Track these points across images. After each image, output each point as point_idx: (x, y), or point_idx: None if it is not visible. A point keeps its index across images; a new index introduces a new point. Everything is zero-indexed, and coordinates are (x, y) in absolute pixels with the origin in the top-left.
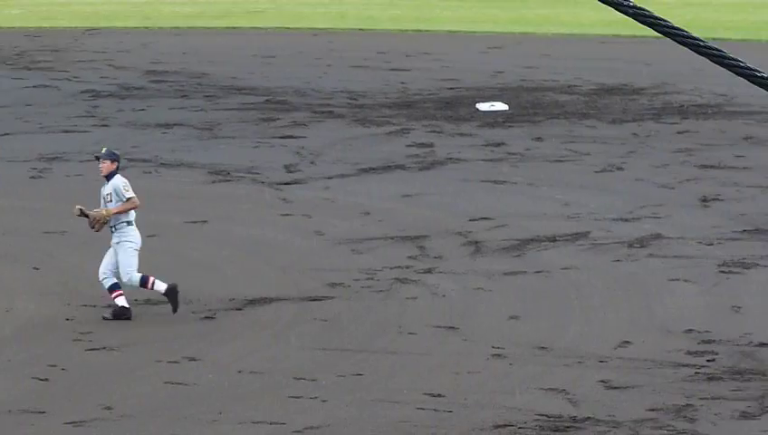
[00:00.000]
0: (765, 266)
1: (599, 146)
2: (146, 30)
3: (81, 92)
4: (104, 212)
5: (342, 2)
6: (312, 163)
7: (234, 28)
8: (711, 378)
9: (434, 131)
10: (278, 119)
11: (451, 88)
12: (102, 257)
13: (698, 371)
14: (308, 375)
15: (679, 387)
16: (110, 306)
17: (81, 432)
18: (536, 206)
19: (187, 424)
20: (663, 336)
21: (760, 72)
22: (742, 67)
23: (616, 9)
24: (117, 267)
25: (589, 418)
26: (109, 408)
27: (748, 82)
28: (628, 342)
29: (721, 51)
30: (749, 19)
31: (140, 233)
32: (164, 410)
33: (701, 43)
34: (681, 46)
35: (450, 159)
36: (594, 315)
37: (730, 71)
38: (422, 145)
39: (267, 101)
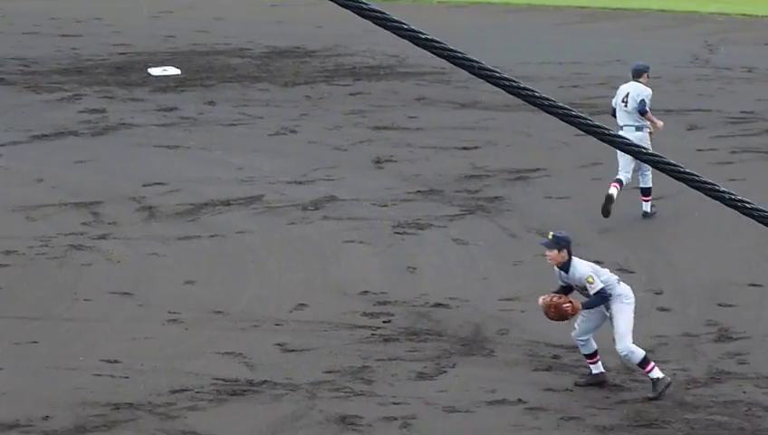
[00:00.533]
0: (439, 227)
1: (272, 109)
2: None
3: None
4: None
5: None
6: None
7: None
8: (387, 339)
9: (106, 97)
10: None
11: (122, 53)
12: None
13: (374, 332)
14: None
15: (356, 349)
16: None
17: None
18: (210, 170)
19: None
20: (339, 298)
21: (425, 34)
22: (405, 30)
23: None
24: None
25: (266, 381)
26: None
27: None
28: (303, 304)
29: (384, 13)
30: None
31: None
32: None
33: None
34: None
35: (123, 124)
36: (270, 278)
37: (394, 33)
38: (94, 111)
39: None
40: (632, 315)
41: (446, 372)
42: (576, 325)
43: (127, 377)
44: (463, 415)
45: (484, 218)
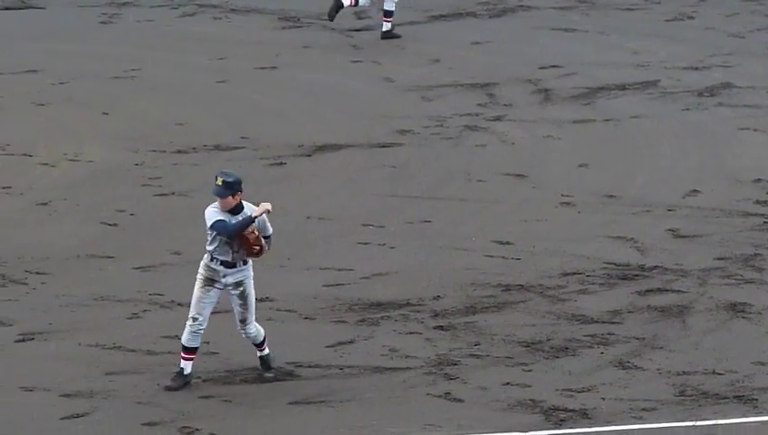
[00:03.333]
0: None
1: None
2: None
3: None
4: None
5: None
6: (380, 10)
7: None
8: None
9: None
10: None
11: None
12: (169, 108)
13: (767, 220)
14: (376, 222)
15: (748, 236)
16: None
17: (149, 277)
18: (606, 54)
19: (255, 270)
20: (732, 185)
21: None
22: None
23: None
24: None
25: (657, 266)
26: (177, 253)
27: None
28: (696, 190)
29: None
30: None
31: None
32: None
33: None
34: None
35: (521, 6)
36: (663, 164)
37: None
38: None
39: None
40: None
41: None
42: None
43: (518, 259)
44: None
45: None
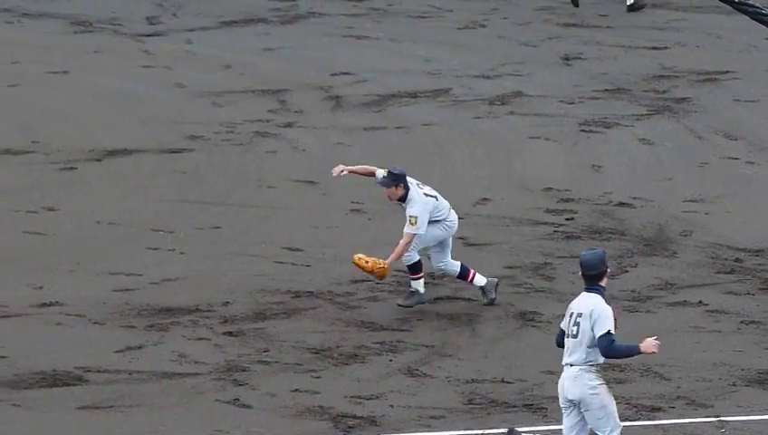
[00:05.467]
0: (626, 126)
1: (461, 3)
2: None
3: None
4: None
5: None
6: (173, 15)
7: None
8: (570, 236)
9: None
10: None
11: None
12: None
13: (557, 229)
14: (166, 227)
15: (538, 245)
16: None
17: None
18: (398, 61)
19: (44, 274)
20: (522, 194)
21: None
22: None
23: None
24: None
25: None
26: None
27: None
28: (486, 199)
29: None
30: None
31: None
32: (21, 260)
33: None
34: None
35: (312, 13)
36: (454, 172)
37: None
38: None
39: None
40: (438, 233)
41: (627, 271)
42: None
43: (308, 265)
44: (643, 315)
45: (671, 119)
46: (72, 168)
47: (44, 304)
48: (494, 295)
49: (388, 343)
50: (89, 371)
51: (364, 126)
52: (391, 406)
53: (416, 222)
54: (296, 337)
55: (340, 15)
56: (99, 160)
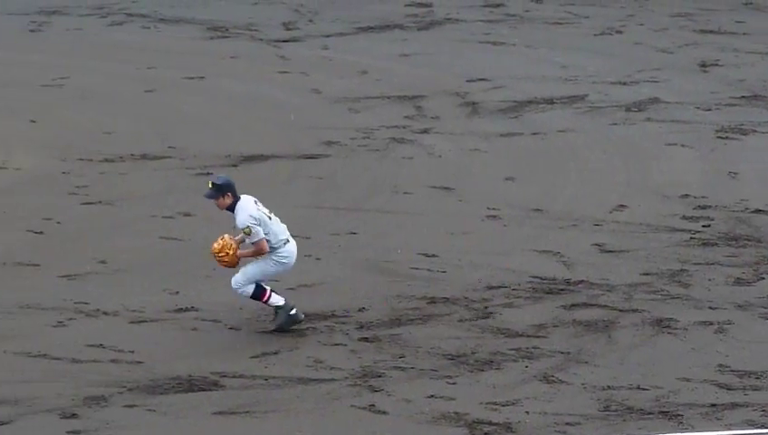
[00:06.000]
0: (763, 133)
1: (598, 9)
2: None
3: None
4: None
5: None
6: (310, 21)
7: None
8: (706, 243)
9: None
10: None
11: None
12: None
13: (693, 236)
14: (302, 233)
15: (674, 251)
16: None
17: (75, 286)
18: (534, 68)
19: (181, 279)
20: (659, 201)
21: None
22: None
23: None
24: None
25: (582, 281)
26: (103, 262)
27: None
28: (623, 205)
29: None
30: None
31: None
32: (158, 265)
33: None
34: None
35: (449, 19)
36: (590, 178)
37: None
38: (421, 5)
39: None
40: (268, 270)
41: (764, 278)
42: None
43: (444, 271)
44: None
45: None
46: (208, 173)
47: (180, 310)
48: (280, 323)
49: (523, 350)
50: (224, 376)
51: (500, 132)
52: (527, 412)
53: (249, 232)
54: (432, 343)
55: (477, 21)
56: (235, 166)
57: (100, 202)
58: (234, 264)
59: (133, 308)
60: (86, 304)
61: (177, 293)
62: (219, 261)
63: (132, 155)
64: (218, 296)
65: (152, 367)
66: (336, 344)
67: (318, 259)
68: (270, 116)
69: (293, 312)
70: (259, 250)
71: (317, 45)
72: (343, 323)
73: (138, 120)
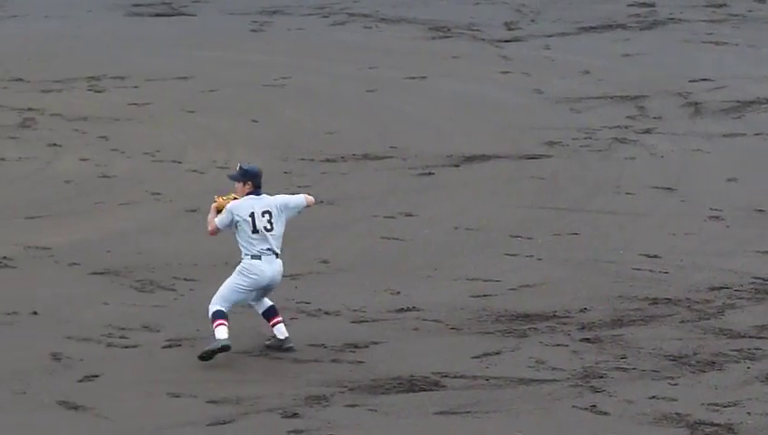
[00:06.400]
0: None
1: None
2: None
3: None
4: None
5: None
6: (532, 21)
7: None
8: None
9: None
10: None
11: None
12: (319, 117)
13: None
14: (524, 233)
15: None
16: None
17: (297, 285)
18: (757, 68)
19: (401, 279)
20: None
21: None
22: None
23: None
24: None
25: None
26: (325, 262)
27: None
28: None
29: None
30: None
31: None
32: (379, 265)
33: None
34: None
35: (671, 19)
36: None
37: None
38: (644, 5)
39: None
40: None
41: None
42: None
43: (666, 272)
44: None
45: None
46: (429, 173)
47: (402, 310)
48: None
49: (745, 351)
50: (446, 376)
51: (723, 132)
52: (748, 413)
53: (223, 214)
54: (654, 344)
55: (699, 21)
56: (456, 166)
57: (321, 202)
58: (216, 203)
59: (354, 308)
60: (308, 303)
61: (399, 293)
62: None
63: (354, 155)
64: (439, 296)
65: (373, 367)
66: (557, 345)
67: (539, 259)
68: (491, 116)
69: (220, 346)
70: (210, 225)
71: (539, 45)
72: (565, 323)
73: (359, 120)
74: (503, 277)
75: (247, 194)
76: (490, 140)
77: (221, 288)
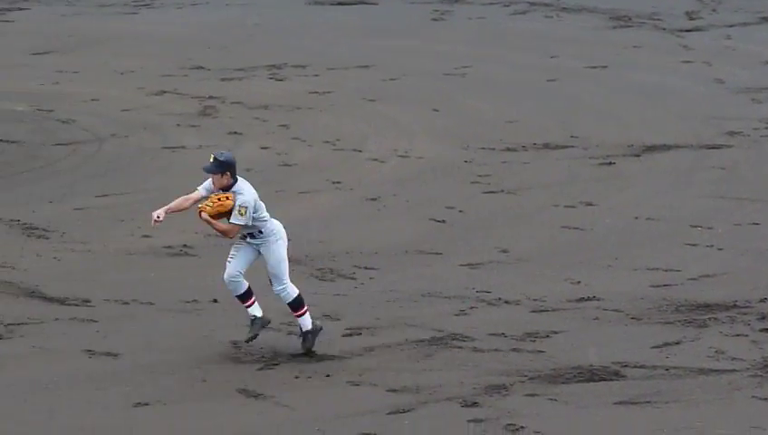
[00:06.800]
0: None
1: None
2: None
3: None
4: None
5: None
6: (713, 11)
7: None
8: None
9: None
10: None
11: None
12: (499, 106)
13: None
14: (704, 223)
15: None
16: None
17: (477, 274)
18: None
19: (581, 269)
20: None
21: None
22: None
23: None
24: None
25: None
26: (505, 251)
27: None
28: None
29: None
30: None
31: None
32: (559, 255)
33: None
34: None
35: None
36: None
37: None
38: None
39: None
40: (285, 253)
41: None
42: (227, 265)
43: None
44: None
45: None
46: (610, 163)
47: (582, 299)
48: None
49: None
50: (626, 366)
51: None
52: None
53: (245, 213)
54: None
55: None
56: (637, 156)
57: (502, 191)
58: (206, 213)
59: (535, 297)
60: (488, 292)
61: (579, 282)
62: (202, 208)
63: (534, 144)
64: (620, 286)
65: (553, 356)
66: (737, 335)
67: (720, 249)
68: (672, 106)
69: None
70: (229, 232)
71: (720, 35)
72: (745, 313)
73: (540, 109)
74: (683, 267)
75: (230, 185)
76: (671, 130)
77: (282, 265)
